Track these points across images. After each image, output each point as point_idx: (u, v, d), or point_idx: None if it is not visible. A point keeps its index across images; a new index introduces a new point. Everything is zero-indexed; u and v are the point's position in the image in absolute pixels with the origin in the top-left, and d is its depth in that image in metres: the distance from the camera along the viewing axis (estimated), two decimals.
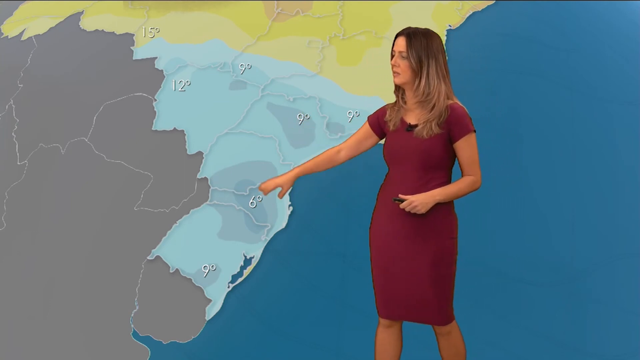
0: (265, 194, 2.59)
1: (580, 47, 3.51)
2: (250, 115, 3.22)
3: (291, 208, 3.08)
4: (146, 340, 2.98)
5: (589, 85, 3.41)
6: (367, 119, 2.55)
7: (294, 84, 3.28)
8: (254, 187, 3.10)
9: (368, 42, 3.39)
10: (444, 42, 3.38)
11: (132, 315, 3.01)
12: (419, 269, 2.36)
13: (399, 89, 2.44)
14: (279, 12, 3.49)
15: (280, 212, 3.07)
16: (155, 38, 3.50)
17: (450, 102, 2.38)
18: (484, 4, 3.55)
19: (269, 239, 3.04)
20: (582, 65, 3.45)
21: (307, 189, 3.09)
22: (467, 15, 3.50)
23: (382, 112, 2.51)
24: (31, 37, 3.80)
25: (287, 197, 3.09)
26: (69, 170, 3.29)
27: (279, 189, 2.56)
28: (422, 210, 2.31)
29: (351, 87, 3.27)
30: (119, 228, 3.14)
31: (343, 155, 2.56)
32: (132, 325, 3.00)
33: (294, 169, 2.59)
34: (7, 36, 3.94)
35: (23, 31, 3.88)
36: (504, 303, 3.03)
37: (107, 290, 3.07)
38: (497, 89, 3.33)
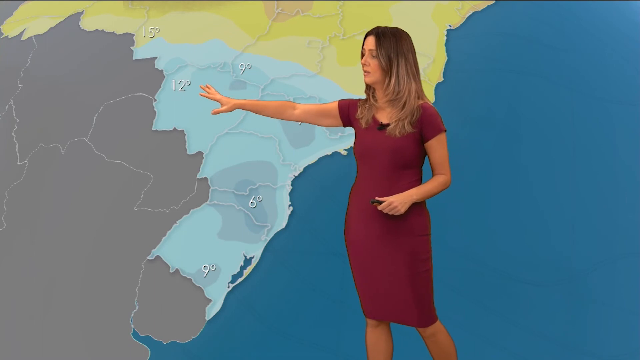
0: (209, 96, 2.61)
1: (580, 47, 3.51)
2: (250, 115, 3.22)
3: (291, 208, 3.08)
4: (146, 340, 2.98)
5: (589, 85, 3.41)
6: (338, 100, 2.53)
7: (294, 84, 3.28)
8: (254, 187, 3.10)
9: None
10: (444, 42, 3.42)
11: (132, 315, 3.01)
12: (395, 269, 2.37)
13: (369, 88, 2.45)
14: (279, 12, 3.50)
15: (280, 212, 3.07)
16: (155, 38, 3.50)
17: (421, 101, 2.39)
18: (484, 4, 3.55)
19: (269, 239, 3.04)
20: (582, 65, 3.45)
21: (307, 189, 3.09)
22: (467, 15, 3.50)
23: (354, 104, 2.50)
24: (31, 37, 3.80)
25: (287, 197, 3.09)
26: (69, 170, 3.29)
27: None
28: (401, 210, 2.31)
29: (351, 87, 3.26)
30: (119, 228, 3.14)
31: (296, 114, 2.55)
32: (132, 325, 3.00)
33: (241, 100, 2.59)
34: (7, 36, 3.94)
35: (23, 31, 3.88)
36: (504, 303, 3.03)
37: (107, 290, 3.07)
38: (497, 89, 3.33)
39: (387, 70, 2.36)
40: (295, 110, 2.55)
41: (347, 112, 2.50)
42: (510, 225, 3.11)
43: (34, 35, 3.79)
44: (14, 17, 4.05)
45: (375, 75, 2.38)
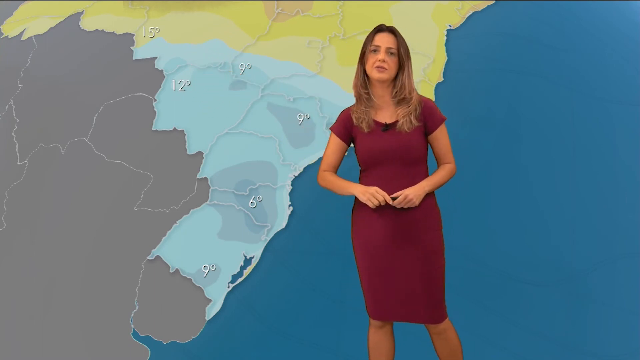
0: None
1: (580, 47, 3.51)
2: (250, 115, 3.22)
3: (291, 208, 3.08)
4: (146, 340, 2.98)
5: (589, 85, 3.41)
6: (331, 131, 2.49)
7: (294, 84, 3.28)
8: (254, 187, 3.10)
9: None
10: (444, 42, 3.42)
11: (132, 315, 3.01)
12: (411, 267, 2.36)
13: (366, 87, 2.42)
14: (279, 12, 3.50)
15: (280, 212, 3.07)
16: (155, 38, 3.50)
17: (418, 95, 2.42)
18: (484, 4, 3.55)
19: (269, 239, 3.04)
20: (582, 65, 3.45)
21: (307, 189, 3.09)
22: (467, 15, 3.50)
23: (346, 118, 2.46)
24: (31, 37, 3.80)
25: (287, 197, 3.09)
26: (69, 170, 3.29)
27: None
28: (416, 202, 2.31)
29: (351, 87, 3.26)
30: (119, 228, 3.14)
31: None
32: (132, 325, 3.00)
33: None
34: (7, 36, 3.94)
35: (23, 31, 3.88)
36: (504, 303, 3.03)
37: (107, 290, 3.07)
38: (497, 89, 3.33)
39: (404, 67, 2.38)
40: (334, 172, 2.49)
41: (346, 133, 2.46)
42: (510, 225, 3.11)
43: (34, 35, 3.80)
44: (14, 17, 4.05)
45: (392, 72, 2.38)
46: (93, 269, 3.11)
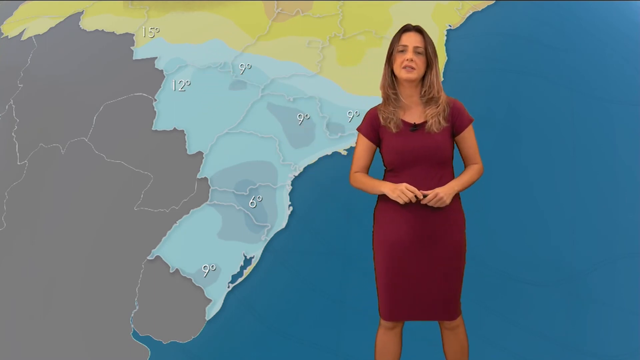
0: None
1: (580, 47, 3.51)
2: (250, 115, 3.22)
3: (291, 208, 3.08)
4: (146, 340, 2.98)
5: (589, 85, 3.41)
6: (359, 132, 2.50)
7: (294, 84, 3.28)
8: (254, 187, 3.10)
9: (368, 42, 3.39)
10: (444, 42, 3.42)
11: (132, 315, 3.01)
12: (434, 266, 2.37)
13: (394, 87, 2.42)
14: (279, 12, 3.49)
15: (280, 212, 3.07)
16: (155, 38, 3.50)
17: (446, 96, 2.42)
18: (484, 4, 3.55)
19: (269, 239, 3.04)
20: (582, 65, 3.45)
21: (307, 189, 3.09)
22: (467, 15, 3.50)
23: (373, 118, 2.46)
24: (31, 37, 3.80)
25: (287, 197, 3.09)
26: (69, 170, 3.29)
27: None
28: (447, 201, 2.33)
29: (351, 87, 3.27)
30: (119, 228, 3.14)
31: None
32: (132, 325, 3.00)
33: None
34: (7, 36, 3.93)
35: (23, 31, 3.88)
36: (504, 303, 3.03)
37: (107, 290, 3.07)
38: (497, 89, 3.33)
39: (431, 66, 2.38)
40: (365, 173, 2.50)
41: (374, 133, 2.46)
42: (510, 225, 3.11)
43: (34, 35, 3.79)
44: (14, 17, 4.05)
45: (420, 72, 2.38)
46: (93, 269, 3.11)
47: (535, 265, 3.08)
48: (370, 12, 3.49)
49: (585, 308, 3.09)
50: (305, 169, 3.13)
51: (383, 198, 2.42)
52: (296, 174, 3.12)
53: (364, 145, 2.47)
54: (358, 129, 2.50)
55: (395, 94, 2.43)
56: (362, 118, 2.51)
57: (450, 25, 3.45)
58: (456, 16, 3.49)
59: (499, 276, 3.03)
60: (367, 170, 2.49)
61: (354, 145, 3.12)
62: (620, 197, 3.26)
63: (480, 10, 3.53)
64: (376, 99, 3.16)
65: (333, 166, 3.12)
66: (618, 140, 3.35)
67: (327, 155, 3.15)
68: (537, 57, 3.42)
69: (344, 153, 3.14)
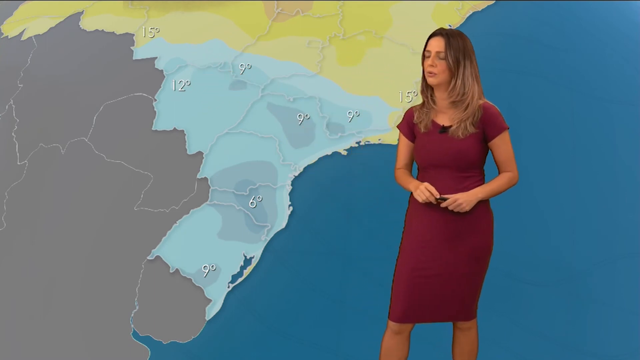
0: None
1: (580, 47, 3.51)
2: (250, 115, 3.22)
3: (291, 208, 3.08)
4: (146, 340, 2.98)
5: (589, 85, 3.41)
6: (399, 130, 2.55)
7: (294, 84, 3.28)
8: (254, 187, 3.10)
9: (368, 42, 3.39)
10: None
11: (132, 315, 3.01)
12: (457, 268, 2.38)
13: (428, 90, 2.45)
14: (279, 12, 3.50)
15: (280, 212, 3.07)
16: (155, 38, 3.50)
17: (482, 101, 2.40)
18: (484, 4, 3.55)
19: (269, 239, 3.04)
20: (582, 65, 3.45)
21: (307, 189, 3.09)
22: (467, 15, 3.50)
23: (409, 116, 2.51)
24: (31, 37, 3.80)
25: (287, 197, 3.09)
26: (69, 170, 3.29)
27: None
28: (466, 208, 2.33)
29: (351, 87, 3.26)
30: (119, 228, 3.14)
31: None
32: (132, 325, 3.00)
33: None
34: (7, 36, 3.93)
35: (23, 31, 3.88)
36: (504, 302, 3.03)
37: (107, 290, 3.07)
38: (497, 89, 3.33)
39: (454, 72, 2.37)
40: (407, 169, 2.55)
41: (410, 131, 2.51)
42: (510, 225, 3.10)
43: (34, 35, 3.79)
44: (14, 17, 4.05)
45: (441, 77, 2.38)
46: (93, 269, 3.11)
47: (535, 265, 3.08)
48: (370, 12, 3.48)
49: (585, 308, 3.09)
50: (305, 169, 3.13)
51: (413, 199, 2.45)
52: (296, 174, 3.12)
53: (403, 142, 2.54)
54: (397, 127, 2.56)
55: (431, 96, 2.45)
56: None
57: (450, 25, 3.45)
58: (456, 16, 3.49)
59: (499, 276, 3.03)
60: (409, 167, 2.54)
61: (354, 145, 3.13)
62: (620, 197, 3.26)
63: (480, 10, 3.53)
64: (376, 99, 3.16)
65: (333, 166, 3.12)
66: (618, 140, 3.35)
67: (327, 156, 3.15)
68: (537, 57, 3.42)
69: (344, 153, 3.14)
